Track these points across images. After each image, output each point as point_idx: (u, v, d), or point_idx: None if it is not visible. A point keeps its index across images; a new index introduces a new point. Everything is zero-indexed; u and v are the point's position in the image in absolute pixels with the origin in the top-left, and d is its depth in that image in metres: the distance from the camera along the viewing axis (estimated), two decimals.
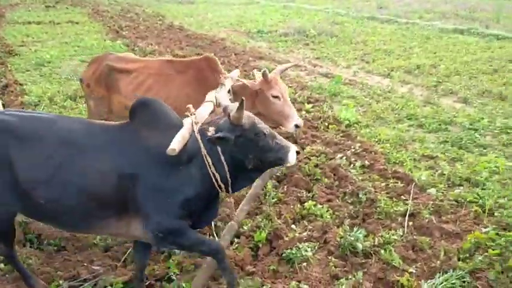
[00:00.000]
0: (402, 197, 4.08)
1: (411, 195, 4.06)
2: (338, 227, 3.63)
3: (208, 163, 2.51)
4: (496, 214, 3.75)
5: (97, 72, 4.03)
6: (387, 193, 4.15)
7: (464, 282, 2.98)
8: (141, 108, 2.59)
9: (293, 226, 3.70)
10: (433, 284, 2.95)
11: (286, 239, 3.46)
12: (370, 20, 15.67)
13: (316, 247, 3.39)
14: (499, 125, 5.82)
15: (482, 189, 4.16)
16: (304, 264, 3.20)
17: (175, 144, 2.39)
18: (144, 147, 2.51)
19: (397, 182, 4.33)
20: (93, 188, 2.43)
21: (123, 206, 2.49)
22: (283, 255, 3.31)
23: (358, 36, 12.65)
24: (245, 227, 3.63)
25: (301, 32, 12.86)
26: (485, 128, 5.78)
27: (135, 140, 2.52)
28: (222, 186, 2.58)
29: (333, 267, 3.17)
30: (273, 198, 4.10)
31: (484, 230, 3.47)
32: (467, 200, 3.97)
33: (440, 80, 8.03)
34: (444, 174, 4.48)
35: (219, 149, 2.52)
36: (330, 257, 3.28)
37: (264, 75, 3.70)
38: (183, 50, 10.86)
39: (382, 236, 3.46)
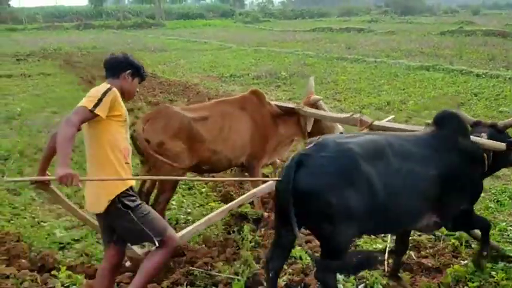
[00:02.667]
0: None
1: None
2: None
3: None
4: (473, 246, 3.75)
5: (172, 128, 3.87)
6: None
7: None
8: (449, 118, 3.10)
9: None
10: None
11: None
12: (340, 60, 16.17)
13: None
14: None
15: None
16: None
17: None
18: (456, 151, 2.99)
19: None
20: (425, 189, 2.84)
21: (436, 202, 2.90)
22: None
23: (329, 76, 12.99)
24: (222, 275, 3.52)
25: (272, 74, 13.15)
26: None
27: (450, 145, 2.99)
28: None
29: None
30: (250, 242, 4.02)
31: (463, 262, 3.46)
32: (444, 233, 3.97)
33: (410, 116, 8.24)
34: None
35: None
36: None
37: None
38: (156, 97, 10.91)
39: (363, 275, 3.41)
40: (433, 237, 3.98)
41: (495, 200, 4.64)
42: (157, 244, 2.79)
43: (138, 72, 3.01)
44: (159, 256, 2.84)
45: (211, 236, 4.09)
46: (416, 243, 3.86)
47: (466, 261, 3.48)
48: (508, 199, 4.61)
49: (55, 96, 10.99)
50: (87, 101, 2.59)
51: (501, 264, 3.41)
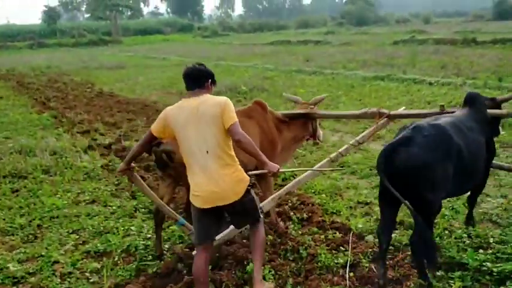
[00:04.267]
0: (342, 247, 4.08)
1: (350, 245, 4.08)
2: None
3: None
4: None
5: None
6: (327, 245, 4.13)
7: None
8: (475, 98, 3.96)
9: None
10: None
11: None
12: (298, 73, 16.41)
13: None
14: None
15: None
16: None
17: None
18: (485, 121, 3.85)
19: (336, 233, 4.34)
20: (483, 153, 3.67)
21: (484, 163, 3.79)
22: None
23: (288, 89, 13.10)
24: None
25: (232, 88, 13.15)
26: None
27: (481, 117, 3.84)
28: None
29: None
30: (210, 265, 3.95)
31: None
32: (403, 243, 4.04)
33: (367, 126, 8.38)
34: (379, 220, 4.55)
35: None
36: None
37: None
38: (113, 116, 10.68)
39: None
40: (392, 247, 4.03)
41: (450, 208, 4.75)
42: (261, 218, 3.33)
43: (214, 79, 3.36)
44: (262, 228, 3.36)
45: None
46: (376, 255, 3.90)
47: None
48: (462, 206, 4.74)
49: (7, 120, 10.54)
50: (235, 116, 3.09)
51: (458, 273, 3.48)
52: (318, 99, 5.05)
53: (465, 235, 4.09)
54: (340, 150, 4.39)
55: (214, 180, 3.02)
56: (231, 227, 3.73)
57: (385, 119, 4.42)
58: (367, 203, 5.09)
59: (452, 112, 4.09)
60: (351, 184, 5.69)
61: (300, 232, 4.46)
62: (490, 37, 22.81)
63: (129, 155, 3.44)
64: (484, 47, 20.79)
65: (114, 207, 5.27)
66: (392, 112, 4.49)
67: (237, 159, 3.16)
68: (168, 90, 14.54)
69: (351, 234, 4.28)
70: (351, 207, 5.01)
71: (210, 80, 3.26)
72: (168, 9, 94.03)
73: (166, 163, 3.82)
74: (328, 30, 45.74)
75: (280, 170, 3.38)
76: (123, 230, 4.63)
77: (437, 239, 4.08)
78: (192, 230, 3.45)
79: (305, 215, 4.78)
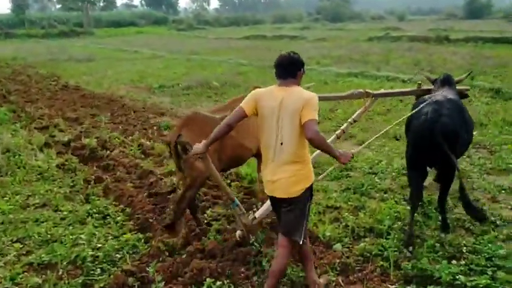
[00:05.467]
0: None
1: (317, 255, 3.81)
2: None
3: None
4: (402, 266, 3.59)
5: (208, 131, 3.74)
6: (292, 256, 3.84)
7: None
8: (450, 78, 4.72)
9: None
10: None
11: None
12: (272, 69, 15.96)
13: None
14: (396, 167, 5.91)
15: (386, 238, 4.02)
16: None
17: None
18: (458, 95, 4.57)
19: None
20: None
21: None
22: None
23: (262, 84, 12.75)
24: None
25: (204, 84, 12.77)
26: (383, 171, 5.84)
27: (456, 92, 4.60)
28: None
29: None
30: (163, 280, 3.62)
31: (391, 287, 3.28)
32: (373, 253, 3.79)
33: (339, 125, 8.15)
34: (348, 226, 4.30)
35: None
36: None
37: None
38: (76, 111, 10.15)
39: None
40: (361, 258, 3.78)
41: (422, 213, 4.55)
42: (300, 243, 3.12)
43: (304, 68, 3.28)
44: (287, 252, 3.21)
45: None
46: (344, 267, 3.64)
47: (394, 286, 3.30)
48: (434, 211, 4.54)
49: None
50: (315, 114, 2.98)
51: (431, 287, 3.26)
52: (306, 87, 5.09)
53: (438, 244, 3.87)
54: (342, 127, 4.56)
55: (278, 171, 3.06)
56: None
57: (372, 98, 4.81)
58: (336, 208, 4.83)
59: (430, 90, 4.83)
60: (320, 186, 5.42)
61: (263, 240, 4.15)
62: (462, 35, 23.03)
63: (213, 136, 3.20)
64: (456, 45, 20.94)
65: (65, 212, 4.85)
66: (376, 92, 4.96)
67: (308, 158, 3.14)
68: (137, 84, 14.00)
69: (319, 243, 4.02)
70: (319, 212, 4.73)
71: (302, 69, 3.21)
72: (142, 2, 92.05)
73: (180, 154, 3.98)
74: (304, 25, 45.54)
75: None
76: (71, 238, 4.24)
77: (409, 248, 3.85)
78: (243, 211, 3.77)
79: (269, 220, 4.47)
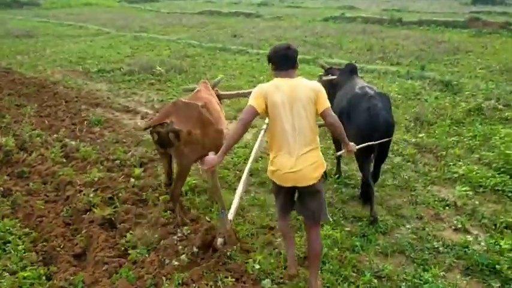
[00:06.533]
0: None
1: None
2: None
3: None
4: None
5: (193, 117, 4.22)
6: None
7: None
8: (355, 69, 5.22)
9: None
10: None
11: None
12: (222, 51, 15.38)
13: None
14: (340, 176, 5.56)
15: (320, 270, 3.64)
16: None
17: None
18: None
19: (228, 276, 3.60)
20: None
21: None
22: None
23: (209, 70, 12.15)
24: None
25: (147, 68, 11.91)
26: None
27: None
28: None
29: None
30: None
31: None
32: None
33: None
34: (281, 254, 3.90)
35: None
36: None
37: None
38: (1, 101, 9.18)
39: None
40: None
41: (361, 235, 4.20)
42: (331, 220, 3.75)
43: None
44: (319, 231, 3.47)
45: None
46: None
47: None
48: (375, 232, 4.21)
49: None
50: (328, 102, 3.22)
51: None
52: (216, 81, 5.56)
53: (374, 279, 3.52)
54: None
55: (299, 161, 3.13)
56: None
57: None
58: (271, 228, 4.41)
59: (332, 79, 5.38)
60: (257, 201, 4.98)
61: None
62: (415, 17, 23.03)
63: (228, 143, 3.16)
64: (409, 27, 20.87)
65: None
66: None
67: (319, 144, 3.31)
68: (75, 68, 12.92)
69: (247, 278, 3.58)
70: (252, 234, 4.30)
71: (297, 61, 3.33)
72: None
73: (171, 143, 4.06)
74: (262, 1, 44.53)
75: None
76: None
77: (345, 285, 3.49)
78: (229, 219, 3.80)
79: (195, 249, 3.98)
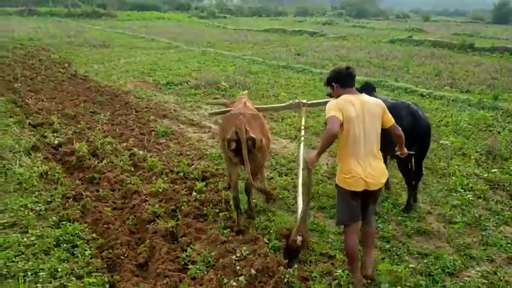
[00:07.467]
0: None
1: None
2: None
3: None
4: None
5: (259, 127, 4.76)
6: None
7: None
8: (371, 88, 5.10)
9: None
10: None
11: None
12: (286, 69, 15.50)
13: None
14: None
15: None
16: None
17: None
18: None
19: None
20: None
21: None
22: None
23: (272, 88, 12.28)
24: None
25: (212, 84, 12.24)
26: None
27: None
28: None
29: None
30: None
31: None
32: None
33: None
34: (341, 286, 3.80)
35: None
36: None
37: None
38: (77, 107, 9.78)
39: None
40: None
41: (427, 273, 4.00)
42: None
43: None
44: None
45: None
46: None
47: None
48: (441, 272, 4.00)
49: None
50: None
51: None
52: (242, 94, 5.90)
53: None
54: (302, 134, 5.08)
55: (370, 168, 3.53)
56: None
57: (305, 107, 5.54)
58: (331, 256, 4.31)
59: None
60: (316, 226, 4.90)
61: None
62: (488, 43, 22.04)
63: (323, 146, 3.51)
64: (481, 54, 19.99)
65: (33, 237, 4.43)
66: (308, 102, 5.69)
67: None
68: (146, 79, 13.55)
69: None
70: (311, 261, 4.23)
71: None
72: None
73: (249, 149, 4.46)
74: (326, 20, 44.58)
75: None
76: (31, 274, 3.83)
77: None
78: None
79: None
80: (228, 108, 5.50)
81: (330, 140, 3.45)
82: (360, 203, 3.67)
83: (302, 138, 4.99)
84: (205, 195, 5.49)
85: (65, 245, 4.32)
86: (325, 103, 5.61)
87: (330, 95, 5.56)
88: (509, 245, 4.54)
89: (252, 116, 4.72)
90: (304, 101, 5.68)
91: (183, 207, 5.12)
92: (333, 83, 3.77)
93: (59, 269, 3.91)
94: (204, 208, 5.17)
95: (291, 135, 8.17)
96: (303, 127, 5.18)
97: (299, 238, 3.81)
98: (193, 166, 6.49)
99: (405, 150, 4.00)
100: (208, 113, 7.97)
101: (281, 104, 5.84)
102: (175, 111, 9.95)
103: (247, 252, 4.18)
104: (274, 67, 15.93)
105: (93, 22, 38.29)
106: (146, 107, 10.07)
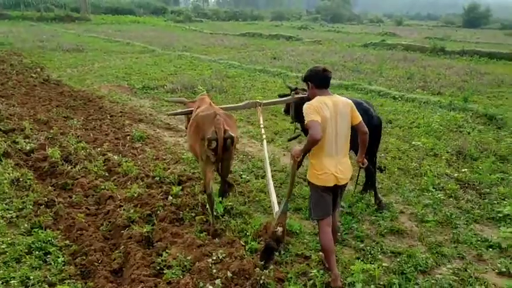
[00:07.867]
0: None
1: None
2: None
3: None
4: None
5: (234, 125, 4.92)
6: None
7: None
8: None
9: None
10: None
11: None
12: (262, 73, 15.58)
13: None
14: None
15: None
16: None
17: None
18: None
19: None
20: None
21: None
22: None
23: (248, 92, 12.32)
24: None
25: (189, 87, 12.22)
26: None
27: None
28: None
29: None
30: None
31: None
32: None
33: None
34: (316, 287, 3.84)
35: None
36: None
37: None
38: (49, 112, 9.58)
39: None
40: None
41: (400, 272, 4.08)
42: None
43: None
44: None
45: None
46: None
47: None
48: (414, 270, 4.08)
49: None
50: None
51: None
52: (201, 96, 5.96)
53: None
54: (263, 132, 5.29)
55: (340, 165, 3.78)
56: None
57: (261, 107, 5.70)
58: (306, 257, 4.36)
59: (303, 97, 5.35)
60: (291, 227, 4.94)
61: None
62: (458, 46, 22.64)
63: (307, 148, 3.66)
64: (452, 57, 20.53)
65: (4, 245, 4.32)
66: (264, 101, 5.89)
67: None
68: (121, 83, 13.40)
69: None
70: (286, 262, 4.26)
71: None
72: None
73: (228, 147, 4.58)
74: (302, 25, 44.99)
75: None
76: (1, 282, 3.74)
77: None
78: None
79: None
80: (190, 109, 5.48)
81: (314, 144, 3.61)
82: (332, 198, 3.87)
83: (264, 137, 5.20)
84: (181, 199, 5.46)
85: (37, 253, 4.24)
86: (280, 102, 6.02)
87: (282, 96, 6.05)
88: (479, 242, 4.67)
89: (226, 115, 4.86)
90: (260, 100, 5.89)
91: (158, 212, 5.08)
92: (308, 82, 3.95)
93: (31, 277, 3.84)
94: (181, 212, 5.15)
95: (267, 138, 8.20)
96: (261, 125, 5.38)
97: (279, 229, 3.88)
98: (169, 170, 6.45)
99: (365, 160, 4.14)
100: (167, 114, 8.14)
101: (239, 104, 6.04)
102: (151, 115, 9.88)
103: (224, 255, 4.19)
104: (250, 71, 15.98)
105: (66, 26, 37.66)
106: (121, 112, 9.97)
